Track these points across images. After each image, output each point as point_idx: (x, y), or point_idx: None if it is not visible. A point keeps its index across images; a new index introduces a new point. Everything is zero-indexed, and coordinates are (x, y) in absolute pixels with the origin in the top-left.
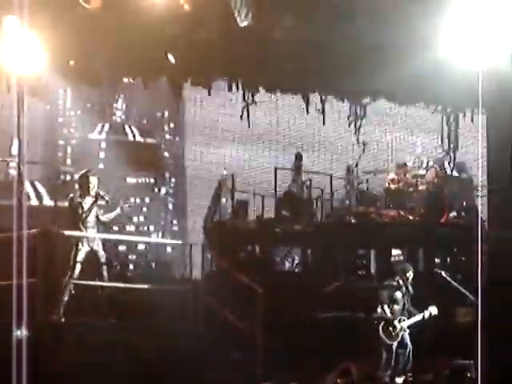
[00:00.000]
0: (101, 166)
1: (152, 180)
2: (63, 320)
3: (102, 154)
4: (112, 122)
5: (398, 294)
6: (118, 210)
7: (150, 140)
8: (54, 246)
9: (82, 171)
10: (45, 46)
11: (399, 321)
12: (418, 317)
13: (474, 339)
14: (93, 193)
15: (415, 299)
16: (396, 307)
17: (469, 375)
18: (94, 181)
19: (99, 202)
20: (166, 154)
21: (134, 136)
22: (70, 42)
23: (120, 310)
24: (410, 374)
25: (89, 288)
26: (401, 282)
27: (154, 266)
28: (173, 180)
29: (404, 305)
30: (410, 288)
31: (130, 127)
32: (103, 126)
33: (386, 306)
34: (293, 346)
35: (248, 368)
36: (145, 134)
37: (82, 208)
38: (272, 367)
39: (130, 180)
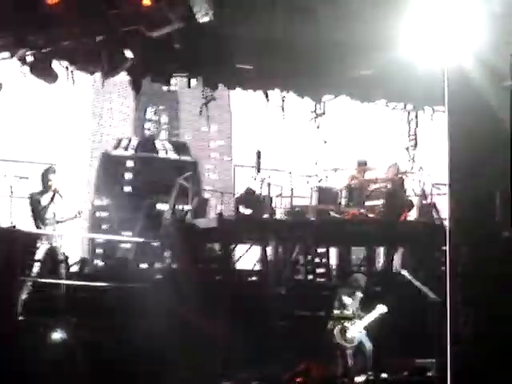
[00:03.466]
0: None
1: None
2: (22, 318)
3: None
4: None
5: (347, 300)
6: (73, 215)
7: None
8: (12, 243)
9: (44, 168)
10: None
11: (352, 323)
12: (369, 317)
13: (435, 339)
14: (52, 189)
15: (374, 299)
16: (346, 312)
17: (429, 374)
18: (53, 177)
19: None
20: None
21: (166, 152)
22: None
23: (79, 308)
24: (371, 373)
25: (48, 286)
26: (352, 288)
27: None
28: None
29: (354, 308)
30: (360, 294)
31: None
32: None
33: (336, 311)
34: (253, 344)
35: (209, 367)
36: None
37: (40, 204)
38: (233, 366)
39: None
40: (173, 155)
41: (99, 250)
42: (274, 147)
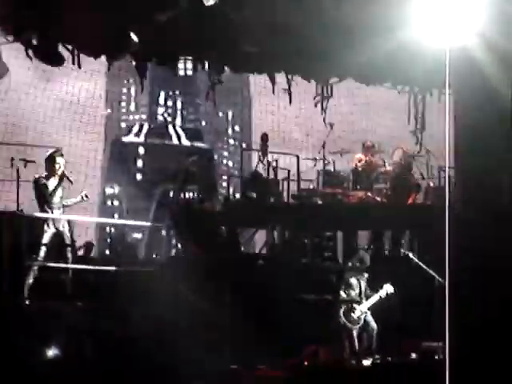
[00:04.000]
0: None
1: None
2: (28, 303)
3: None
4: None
5: (353, 280)
6: (79, 198)
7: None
8: (18, 227)
9: (49, 152)
10: None
11: (358, 304)
12: (375, 297)
13: (443, 321)
14: (59, 173)
15: (380, 282)
16: (352, 292)
17: (437, 357)
18: (60, 161)
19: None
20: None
21: (178, 138)
22: None
23: (86, 292)
24: (378, 357)
25: (54, 270)
26: (356, 267)
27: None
28: None
29: (360, 289)
30: (366, 274)
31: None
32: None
33: (342, 292)
34: (260, 328)
35: (217, 351)
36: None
37: (47, 189)
38: (240, 350)
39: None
40: (185, 142)
41: (108, 239)
42: (281, 130)
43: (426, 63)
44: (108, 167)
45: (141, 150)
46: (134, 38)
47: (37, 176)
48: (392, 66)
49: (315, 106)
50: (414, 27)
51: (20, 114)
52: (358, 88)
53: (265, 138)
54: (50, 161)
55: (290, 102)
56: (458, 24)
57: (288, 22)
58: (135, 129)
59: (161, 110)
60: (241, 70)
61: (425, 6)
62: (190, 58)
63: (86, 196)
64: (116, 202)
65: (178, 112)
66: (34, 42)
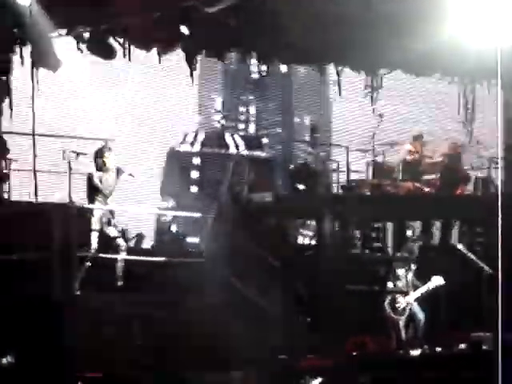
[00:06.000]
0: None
1: None
2: (79, 293)
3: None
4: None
5: (400, 271)
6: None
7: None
8: (69, 219)
9: (98, 147)
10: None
11: (404, 295)
12: (423, 288)
13: (492, 313)
14: (108, 168)
15: (429, 273)
16: (399, 283)
17: (485, 348)
18: (109, 155)
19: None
20: None
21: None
22: None
23: (136, 282)
24: (427, 347)
25: (105, 261)
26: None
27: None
28: None
29: (407, 280)
30: (413, 265)
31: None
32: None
33: (389, 283)
34: (309, 318)
35: (264, 341)
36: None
37: (101, 183)
38: (288, 340)
39: None
40: (244, 151)
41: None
42: (330, 122)
43: (476, 54)
44: (163, 179)
45: (195, 160)
46: (185, 30)
47: (90, 171)
48: (442, 56)
49: (365, 97)
50: (463, 18)
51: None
52: (407, 78)
53: (314, 129)
54: (98, 155)
55: (340, 93)
56: (509, 17)
57: (337, 11)
58: (190, 137)
59: (217, 116)
60: (289, 62)
61: None
62: (240, 50)
63: (131, 175)
64: (170, 217)
65: (251, 118)
66: (85, 35)
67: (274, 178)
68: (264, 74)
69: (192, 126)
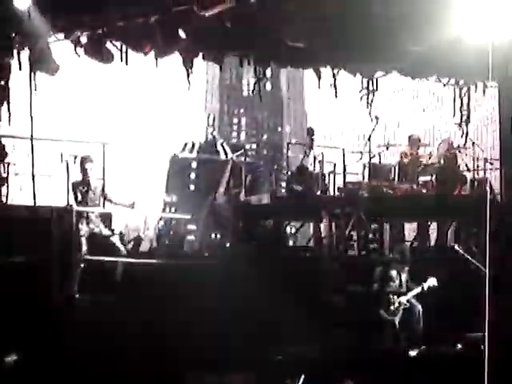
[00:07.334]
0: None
1: None
2: (77, 296)
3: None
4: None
5: (393, 272)
6: (126, 203)
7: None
8: (68, 222)
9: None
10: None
11: (397, 296)
12: (417, 290)
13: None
14: (88, 178)
15: (425, 274)
16: (392, 284)
17: (482, 348)
18: (88, 166)
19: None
20: None
21: (225, 154)
22: None
23: (134, 285)
24: (424, 347)
25: (101, 264)
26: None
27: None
28: None
29: (401, 282)
30: (407, 266)
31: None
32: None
33: (382, 284)
34: (305, 320)
35: (261, 342)
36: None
37: (87, 193)
38: (285, 341)
39: None
40: (234, 157)
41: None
42: (327, 124)
43: (471, 56)
44: (167, 180)
45: (193, 164)
46: (182, 34)
47: (73, 181)
48: (437, 59)
49: (360, 99)
50: (460, 19)
51: None
52: (403, 81)
53: (311, 131)
54: (81, 165)
55: (336, 96)
56: (503, 18)
57: (333, 14)
58: (189, 146)
59: (209, 129)
60: (286, 65)
61: (470, 0)
62: (237, 53)
63: (133, 205)
64: (173, 209)
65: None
66: (83, 39)
67: (267, 181)
68: (262, 77)
69: (190, 137)
